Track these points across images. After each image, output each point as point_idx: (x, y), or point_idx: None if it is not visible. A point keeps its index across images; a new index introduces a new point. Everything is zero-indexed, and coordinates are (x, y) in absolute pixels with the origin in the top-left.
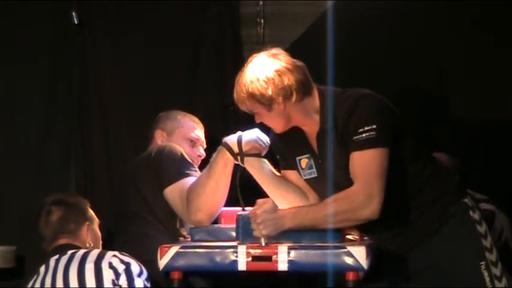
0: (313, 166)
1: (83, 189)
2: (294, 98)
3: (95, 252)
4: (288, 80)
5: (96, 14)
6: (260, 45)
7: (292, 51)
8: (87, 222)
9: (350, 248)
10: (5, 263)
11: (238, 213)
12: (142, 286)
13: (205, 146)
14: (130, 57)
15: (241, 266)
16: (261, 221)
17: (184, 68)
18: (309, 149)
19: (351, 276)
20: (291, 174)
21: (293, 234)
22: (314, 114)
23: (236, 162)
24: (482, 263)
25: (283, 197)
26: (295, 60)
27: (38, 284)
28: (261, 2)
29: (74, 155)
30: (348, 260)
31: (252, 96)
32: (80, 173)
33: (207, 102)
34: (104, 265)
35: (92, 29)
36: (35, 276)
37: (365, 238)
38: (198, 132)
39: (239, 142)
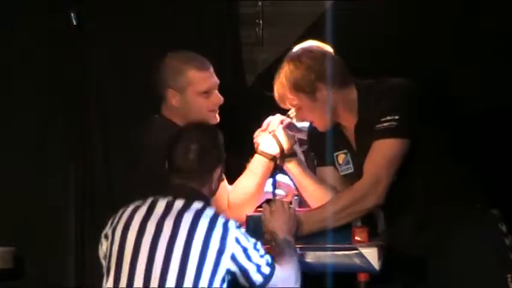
0: (350, 161)
1: (83, 189)
2: (336, 84)
3: None
4: (329, 66)
5: (96, 15)
6: (259, 46)
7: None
8: None
9: (362, 249)
10: (3, 264)
11: (248, 214)
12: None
13: (218, 83)
14: (130, 57)
15: None
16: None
17: None
18: (347, 144)
19: (362, 277)
20: (328, 170)
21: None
22: (353, 107)
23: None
24: (509, 275)
25: (317, 198)
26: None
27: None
28: (259, 3)
29: (74, 155)
30: (360, 261)
31: (295, 85)
32: (80, 173)
33: None
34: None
35: (92, 29)
36: None
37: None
38: (210, 79)
39: (279, 144)
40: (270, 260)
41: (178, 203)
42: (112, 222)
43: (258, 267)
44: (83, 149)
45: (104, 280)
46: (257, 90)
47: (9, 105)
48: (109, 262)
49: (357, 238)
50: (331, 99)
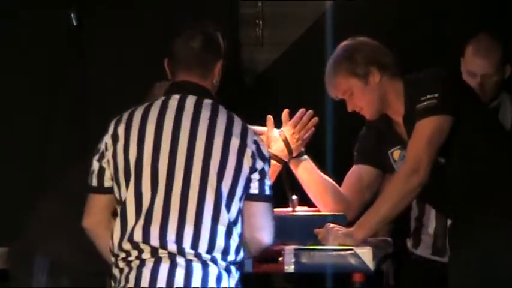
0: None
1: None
2: (387, 68)
3: None
4: (379, 50)
5: (96, 14)
6: (259, 47)
7: (292, 52)
8: None
9: (356, 250)
10: (3, 264)
11: None
12: None
13: None
14: (130, 57)
15: (248, 268)
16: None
17: None
18: (399, 138)
19: (357, 277)
20: (366, 169)
21: (298, 236)
22: (400, 98)
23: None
24: None
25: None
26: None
27: None
28: (259, 3)
29: (74, 155)
30: (354, 262)
31: (346, 69)
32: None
33: None
34: None
35: (92, 29)
36: None
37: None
38: None
39: (287, 144)
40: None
41: (191, 100)
42: (119, 122)
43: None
44: (83, 148)
45: (122, 187)
46: (257, 90)
47: (9, 105)
48: (126, 166)
49: None
50: (383, 86)
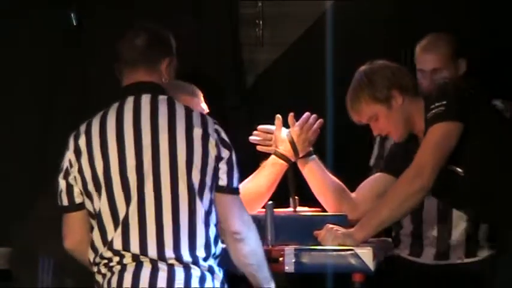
0: None
1: None
2: (408, 89)
3: None
4: (398, 71)
5: (96, 15)
6: (259, 47)
7: (292, 52)
8: None
9: (357, 250)
10: (3, 264)
11: (268, 216)
12: None
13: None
14: None
15: None
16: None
17: (184, 69)
18: None
19: (357, 277)
20: (388, 179)
21: (299, 236)
22: (423, 116)
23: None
24: None
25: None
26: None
27: None
28: (259, 3)
29: None
30: (355, 262)
31: (369, 95)
32: None
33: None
34: None
35: (92, 29)
36: None
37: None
38: (197, 106)
39: (293, 145)
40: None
41: (145, 98)
42: (79, 136)
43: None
44: None
45: (94, 198)
46: (257, 90)
47: (9, 105)
48: (94, 177)
49: None
50: (406, 107)
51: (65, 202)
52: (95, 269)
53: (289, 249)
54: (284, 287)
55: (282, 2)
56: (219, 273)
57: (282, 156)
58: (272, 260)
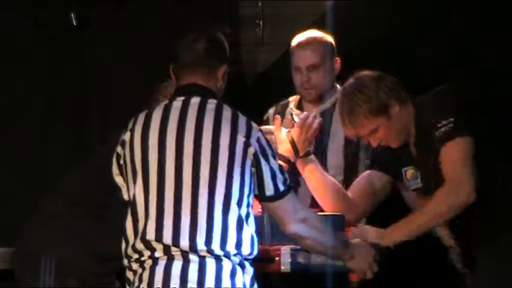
0: (419, 177)
1: None
2: (401, 95)
3: None
4: (387, 80)
5: (96, 15)
6: (259, 47)
7: None
8: None
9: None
10: (3, 265)
11: (265, 214)
12: None
13: None
14: (130, 57)
15: None
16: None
17: None
18: (412, 159)
19: (354, 277)
20: (380, 176)
21: None
22: (413, 121)
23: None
24: None
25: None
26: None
27: None
28: (259, 3)
29: (74, 155)
30: None
31: (369, 110)
32: None
33: None
34: None
35: (92, 29)
36: None
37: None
38: None
39: (293, 145)
40: (287, 181)
41: (194, 101)
42: (126, 130)
43: (274, 174)
44: (83, 148)
45: (130, 186)
46: (257, 90)
47: (9, 105)
48: (133, 167)
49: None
50: (404, 116)
51: (126, 197)
52: (126, 263)
53: (285, 249)
54: (280, 287)
55: (282, 2)
56: (250, 269)
57: (281, 157)
58: (268, 259)
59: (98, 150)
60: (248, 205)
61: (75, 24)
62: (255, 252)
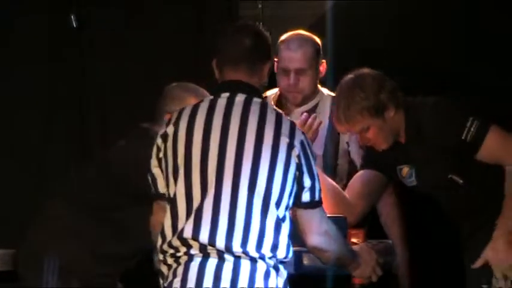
0: (413, 175)
1: None
2: (398, 100)
3: None
4: (390, 86)
5: (96, 16)
6: None
7: None
8: None
9: None
10: (3, 266)
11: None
12: None
13: None
14: (130, 57)
15: None
16: None
17: (184, 70)
18: (406, 157)
19: (357, 280)
20: (374, 174)
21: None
22: (403, 123)
23: None
24: None
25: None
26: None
27: None
28: (259, 4)
29: (74, 155)
30: None
31: (367, 109)
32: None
33: None
34: None
35: (92, 30)
36: None
37: (369, 242)
38: None
39: None
40: (321, 192)
41: (240, 98)
42: (169, 123)
43: (314, 182)
44: (83, 149)
45: (170, 182)
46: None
47: (9, 105)
48: (175, 163)
49: (353, 240)
50: (397, 118)
51: (155, 190)
52: (161, 257)
53: None
54: None
55: (282, 3)
56: (284, 273)
57: None
58: None
59: (101, 153)
60: (287, 207)
61: (75, 26)
62: (290, 255)
